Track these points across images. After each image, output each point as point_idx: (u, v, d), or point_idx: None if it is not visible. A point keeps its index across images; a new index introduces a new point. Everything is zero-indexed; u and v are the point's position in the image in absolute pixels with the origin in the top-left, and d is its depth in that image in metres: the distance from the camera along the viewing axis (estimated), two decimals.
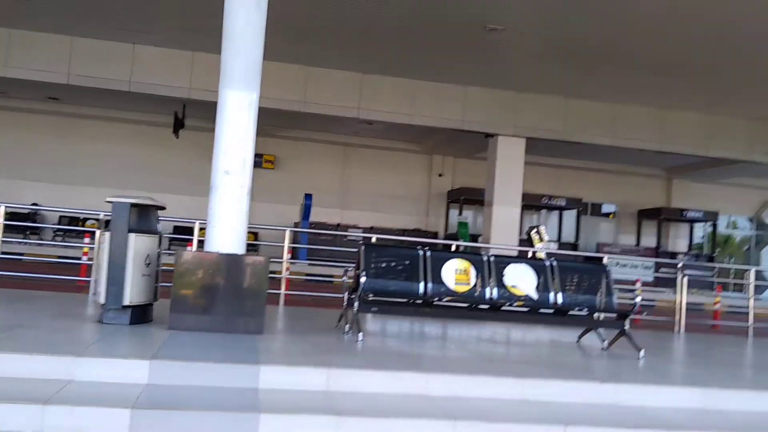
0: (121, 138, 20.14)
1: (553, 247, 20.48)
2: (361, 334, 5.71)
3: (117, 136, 20.16)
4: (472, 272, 6.29)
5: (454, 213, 21.71)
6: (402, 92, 15.91)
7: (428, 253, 6.30)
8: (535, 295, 6.34)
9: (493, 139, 16.69)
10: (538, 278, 6.41)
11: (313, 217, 20.42)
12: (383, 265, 6.18)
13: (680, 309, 9.61)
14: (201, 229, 6.99)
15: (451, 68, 15.12)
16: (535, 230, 17.90)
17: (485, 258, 6.40)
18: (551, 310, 6.34)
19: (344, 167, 21.83)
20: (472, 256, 6.47)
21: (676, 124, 17.06)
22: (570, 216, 21.87)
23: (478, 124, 16.38)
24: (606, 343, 6.60)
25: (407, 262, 6.22)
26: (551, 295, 6.36)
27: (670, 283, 20.30)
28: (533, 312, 6.38)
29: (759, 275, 18.94)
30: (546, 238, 17.98)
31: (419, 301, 6.08)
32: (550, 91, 16.31)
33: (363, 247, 6.20)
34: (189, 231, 9.07)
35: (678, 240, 23.29)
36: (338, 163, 21.76)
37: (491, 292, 6.25)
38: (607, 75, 14.83)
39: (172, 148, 19.41)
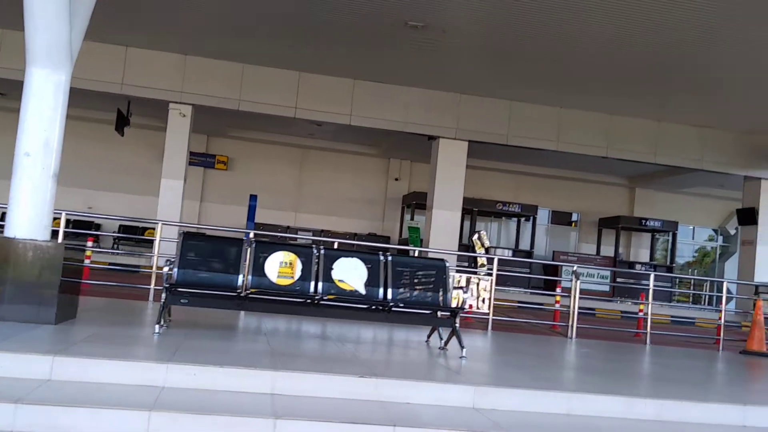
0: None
1: (508, 254, 20.25)
2: (158, 326, 5.46)
3: None
4: (298, 265, 6.04)
5: (409, 218, 21.43)
6: (341, 92, 15.70)
7: (253, 246, 6.06)
8: (363, 291, 6.08)
9: (435, 141, 16.45)
10: (369, 273, 6.15)
11: (266, 219, 20.19)
12: (201, 256, 5.93)
13: (573, 315, 9.33)
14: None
15: (390, 68, 14.91)
16: (476, 236, 17.64)
17: (315, 251, 6.16)
18: (380, 307, 6.07)
19: (300, 169, 21.63)
20: (301, 248, 6.23)
21: (624, 130, 16.79)
22: (527, 223, 21.54)
23: (420, 126, 16.16)
24: (443, 342, 6.33)
25: (228, 254, 5.98)
26: (380, 290, 6.10)
27: (627, 293, 20.08)
28: (360, 308, 6.10)
29: (720, 287, 18.57)
30: (487, 243, 17.68)
31: (236, 294, 5.82)
32: (493, 95, 16.08)
33: (181, 238, 5.96)
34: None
35: (640, 250, 22.95)
36: (294, 165, 21.55)
37: (315, 286, 5.99)
38: (552, 79, 14.59)
39: (118, 146, 19.20)
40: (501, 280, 16.85)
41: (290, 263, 6.04)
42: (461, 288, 7.06)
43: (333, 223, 21.20)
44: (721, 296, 10.83)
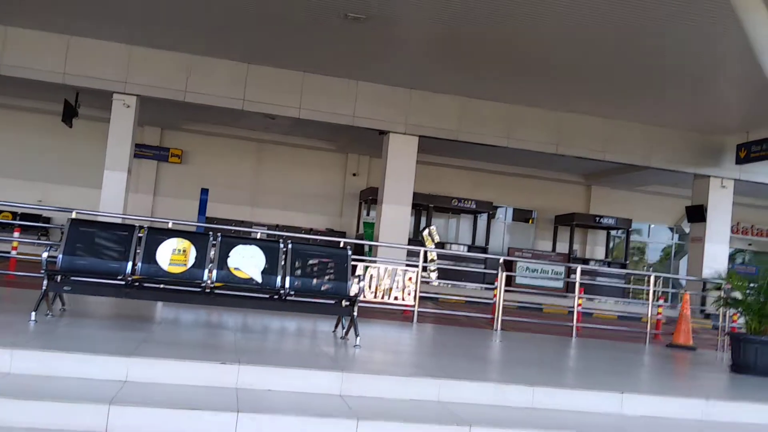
0: (7, 126, 19.52)
1: (463, 250, 20.23)
2: (33, 314, 5.28)
3: (3, 124, 19.56)
4: (192, 253, 5.91)
5: (365, 213, 21.35)
6: (290, 85, 15.52)
7: (145, 232, 5.91)
8: (259, 279, 5.96)
9: (386, 136, 16.37)
10: (268, 261, 6.03)
11: (221, 214, 19.99)
12: (89, 243, 5.77)
13: (498, 307, 9.30)
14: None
15: (339, 62, 14.79)
16: (426, 231, 17.64)
17: (211, 239, 6.02)
18: (276, 295, 5.95)
19: (256, 163, 21.42)
20: (197, 236, 6.09)
21: (574, 128, 16.83)
22: (483, 219, 21.56)
23: (370, 121, 16.04)
24: (344, 331, 6.24)
25: (117, 241, 5.83)
26: (278, 279, 5.99)
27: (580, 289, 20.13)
28: (255, 297, 5.98)
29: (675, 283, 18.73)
30: (437, 238, 17.74)
31: (123, 282, 5.67)
32: (443, 90, 16.03)
33: (68, 224, 5.79)
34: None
35: (596, 247, 23.10)
36: (250, 159, 21.34)
37: (209, 274, 5.87)
38: (502, 76, 14.55)
39: (69, 138, 18.83)
40: (457, 276, 17.08)
41: (183, 250, 5.90)
42: (358, 277, 6.98)
43: (290, 218, 21.04)
44: (671, 291, 10.87)
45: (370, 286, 8.90)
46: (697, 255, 17.84)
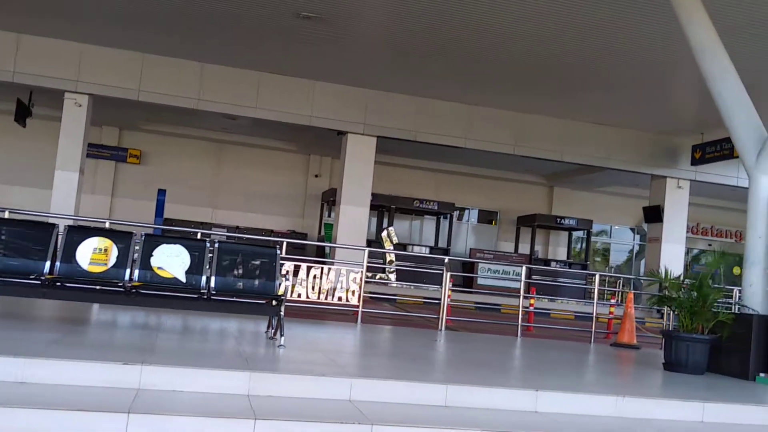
0: None
1: (425, 252, 20.23)
2: None
3: None
4: (113, 252, 5.78)
5: (327, 215, 21.25)
6: (246, 84, 15.41)
7: (65, 231, 5.77)
8: (183, 278, 5.85)
9: (344, 137, 16.31)
10: (193, 260, 5.92)
11: (181, 215, 19.72)
12: (5, 242, 5.62)
13: (443, 307, 9.28)
14: None
15: (295, 61, 14.69)
16: (385, 232, 17.62)
17: (134, 237, 5.90)
18: (201, 295, 5.85)
19: (217, 164, 21.21)
20: (119, 235, 5.96)
21: (532, 128, 16.94)
22: (446, 221, 21.59)
23: (328, 121, 15.98)
24: (273, 331, 6.15)
25: (35, 240, 5.68)
26: (203, 278, 5.88)
27: (541, 289, 20.25)
28: (178, 297, 5.87)
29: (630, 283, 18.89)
30: (395, 240, 17.71)
31: (39, 281, 5.52)
32: (401, 90, 16.02)
33: None
34: None
35: (558, 248, 23.26)
36: (211, 160, 21.12)
37: (131, 273, 5.74)
38: (459, 76, 14.59)
39: (23, 138, 18.44)
40: (419, 278, 17.06)
41: (105, 249, 5.77)
42: (285, 275, 6.89)
43: (252, 220, 20.84)
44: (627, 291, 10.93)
45: (313, 287, 8.82)
46: (654, 255, 18.05)
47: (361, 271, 9.03)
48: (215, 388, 4.22)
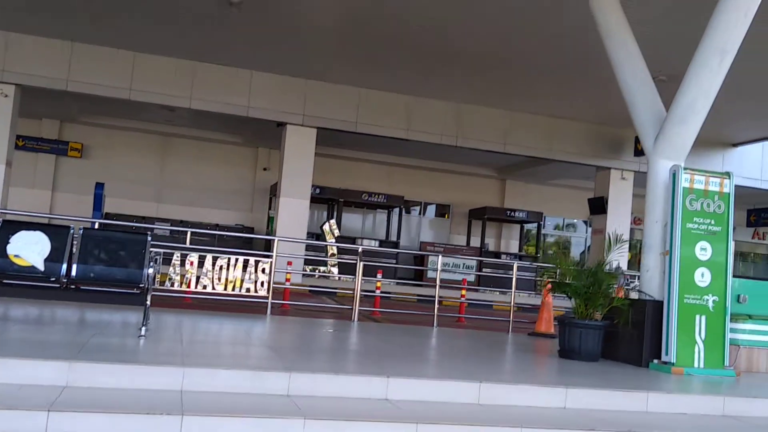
0: None
1: (374, 245, 20.03)
2: None
3: None
4: None
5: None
6: (179, 74, 15.02)
7: None
8: (41, 267, 5.56)
9: (283, 128, 16.02)
10: (54, 248, 5.63)
11: (124, 210, 19.32)
12: None
13: (356, 298, 9.08)
14: None
15: (230, 50, 14.34)
16: (326, 225, 17.40)
17: None
18: (61, 284, 5.56)
19: (162, 158, 20.78)
20: None
21: (473, 119, 16.80)
22: (395, 214, 21.43)
23: (265, 112, 15.66)
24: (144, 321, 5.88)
25: None
26: (63, 267, 5.60)
27: (491, 282, 20.18)
28: (37, 286, 5.58)
29: None
30: (336, 232, 17.49)
31: None
32: (341, 80, 15.76)
33: None
34: None
35: (511, 241, 23.22)
36: (155, 153, 20.68)
37: None
38: (400, 66, 14.35)
39: None
40: (367, 271, 16.79)
41: None
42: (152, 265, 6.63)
43: (198, 214, 20.47)
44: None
45: (219, 279, 8.55)
46: (599, 247, 18.00)
47: (271, 262, 8.77)
48: (33, 380, 3.95)
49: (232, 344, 6.19)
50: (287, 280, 11.51)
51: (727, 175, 6.86)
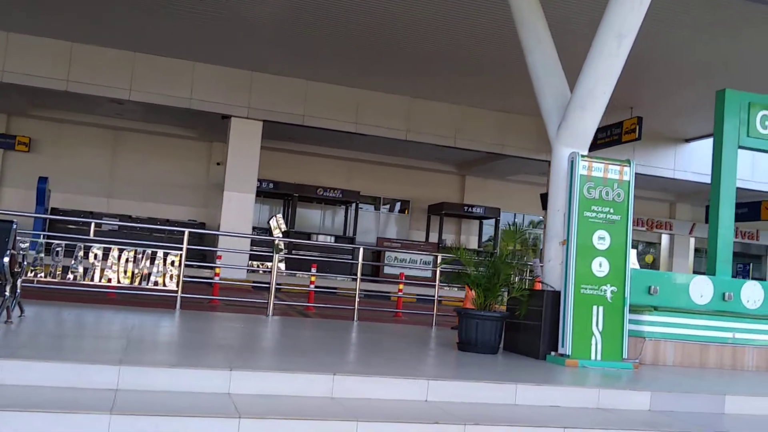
0: None
1: (330, 240, 19.79)
2: None
3: None
4: None
5: None
6: (117, 64, 14.73)
7: None
8: None
9: (228, 121, 15.74)
10: None
11: (72, 205, 18.90)
12: None
13: (271, 293, 8.84)
14: None
15: (172, 41, 14.05)
16: (273, 220, 17.14)
17: None
18: None
19: (113, 153, 20.37)
20: None
21: (425, 114, 16.62)
22: (352, 209, 21.20)
23: (209, 104, 15.41)
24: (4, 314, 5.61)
25: None
26: None
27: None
28: None
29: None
30: (283, 227, 17.23)
31: None
32: (287, 73, 15.54)
33: None
34: None
35: (471, 236, 23.08)
36: (106, 147, 20.26)
37: None
38: (349, 59, 14.14)
39: None
40: (323, 267, 16.59)
41: None
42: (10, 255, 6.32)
43: (151, 210, 20.09)
44: None
45: (125, 272, 8.26)
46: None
47: (180, 254, 8.49)
48: None
49: (94, 338, 5.88)
50: (216, 274, 11.27)
51: (627, 162, 6.69)
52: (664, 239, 25.60)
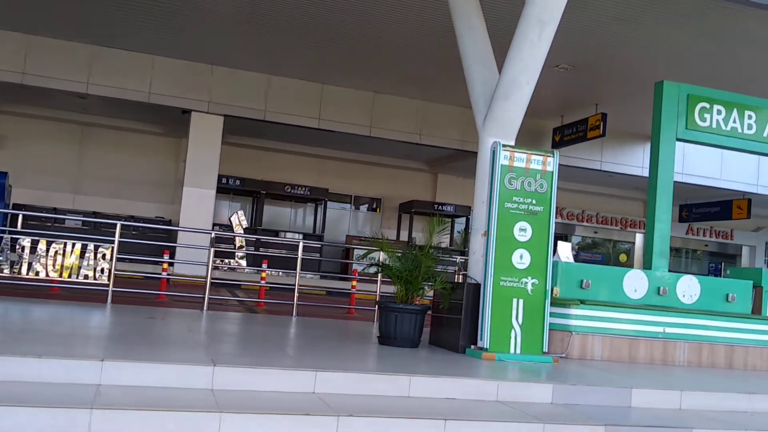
0: None
1: (298, 238, 19.60)
2: None
3: None
4: None
5: None
6: (74, 58, 14.51)
7: None
8: None
9: (189, 115, 15.55)
10: None
11: (37, 201, 18.64)
12: None
13: (206, 288, 8.67)
14: None
15: (129, 33, 13.83)
16: (234, 216, 16.98)
17: None
18: None
19: (80, 148, 20.11)
20: None
21: (387, 109, 16.50)
22: (320, 207, 21.04)
23: (168, 99, 15.21)
24: None
25: None
26: None
27: None
28: None
29: None
30: (245, 224, 17.07)
31: None
32: (248, 67, 15.35)
33: None
34: None
35: (443, 235, 22.93)
36: (73, 143, 19.98)
37: None
38: (312, 53, 13.95)
39: None
40: (290, 265, 16.31)
41: None
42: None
43: (119, 206, 19.84)
44: None
45: (53, 264, 8.09)
46: None
47: (112, 248, 8.32)
48: None
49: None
50: (164, 270, 11.11)
51: (551, 153, 6.58)
52: (638, 238, 25.56)
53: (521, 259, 6.26)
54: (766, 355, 7.44)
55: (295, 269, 9.53)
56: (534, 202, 6.36)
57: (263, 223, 19.84)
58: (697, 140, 8.06)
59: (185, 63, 15.06)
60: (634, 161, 18.32)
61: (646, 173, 18.57)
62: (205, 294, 8.66)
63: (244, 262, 15.97)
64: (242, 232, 16.37)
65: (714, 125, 7.95)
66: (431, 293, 6.96)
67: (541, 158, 6.43)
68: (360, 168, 21.93)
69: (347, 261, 19.71)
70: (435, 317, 6.76)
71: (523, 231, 6.30)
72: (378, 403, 4.30)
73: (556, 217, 23.94)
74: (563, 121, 16.86)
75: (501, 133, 6.61)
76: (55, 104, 18.35)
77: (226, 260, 15.93)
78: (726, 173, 18.87)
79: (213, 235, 9.39)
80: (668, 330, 7.11)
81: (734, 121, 7.99)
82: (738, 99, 8.10)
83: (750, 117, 8.06)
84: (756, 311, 7.89)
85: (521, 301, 6.22)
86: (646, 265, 7.79)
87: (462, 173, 22.14)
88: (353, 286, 11.95)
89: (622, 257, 25.03)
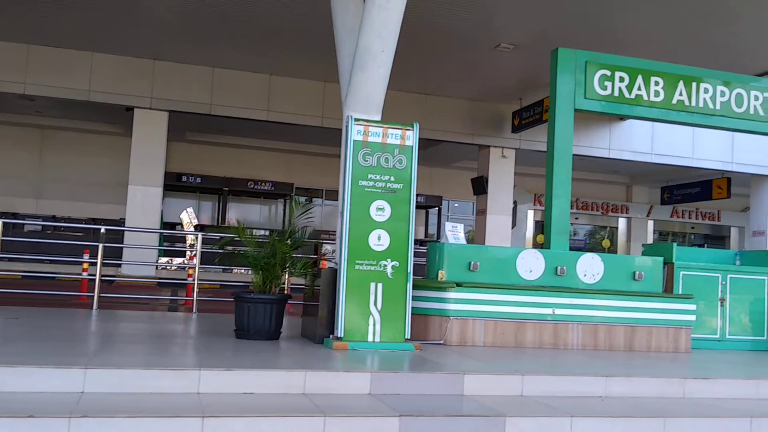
0: None
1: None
2: None
3: None
4: None
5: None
6: (10, 58, 14.21)
7: None
8: None
9: (132, 112, 15.23)
10: None
11: (3, 207, 18.50)
12: None
13: (97, 284, 8.31)
14: None
15: (65, 31, 13.49)
16: (184, 214, 16.65)
17: None
18: None
19: (41, 152, 19.95)
20: None
21: (333, 96, 15.94)
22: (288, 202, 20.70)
23: (108, 96, 14.87)
24: None
25: None
26: None
27: None
28: None
29: None
30: (195, 221, 16.73)
31: None
32: (192, 60, 14.97)
33: None
34: None
35: (418, 227, 22.50)
36: (33, 147, 19.85)
37: None
38: (257, 44, 13.51)
39: None
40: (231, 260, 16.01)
41: None
42: None
43: (82, 210, 19.69)
44: None
45: None
46: (481, 227, 17.34)
47: None
48: None
49: None
50: (84, 270, 10.79)
51: (411, 126, 6.12)
52: (622, 223, 24.95)
53: (379, 240, 5.82)
54: (672, 335, 6.94)
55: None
56: (392, 179, 5.92)
57: (225, 220, 19.54)
58: (597, 110, 7.57)
59: (126, 59, 14.72)
60: (600, 143, 17.73)
61: (612, 154, 18.12)
62: (96, 291, 8.27)
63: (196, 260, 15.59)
64: (193, 229, 16.02)
65: (616, 93, 7.46)
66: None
67: (399, 132, 5.99)
68: (329, 161, 21.28)
69: (315, 257, 19.38)
70: (303, 306, 6.34)
71: (380, 210, 5.86)
72: (153, 401, 3.89)
73: (534, 205, 23.55)
74: (522, 104, 16.33)
75: (361, 108, 6.19)
76: (10, 108, 18.13)
77: (176, 259, 15.61)
78: (699, 152, 18.21)
79: (102, 230, 8.98)
80: (559, 312, 6.64)
81: (639, 89, 7.48)
82: (643, 65, 7.58)
83: (657, 83, 7.54)
84: (668, 289, 7.39)
85: (380, 286, 5.77)
86: (545, 245, 7.32)
87: (434, 163, 21.69)
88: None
89: (605, 243, 24.41)
